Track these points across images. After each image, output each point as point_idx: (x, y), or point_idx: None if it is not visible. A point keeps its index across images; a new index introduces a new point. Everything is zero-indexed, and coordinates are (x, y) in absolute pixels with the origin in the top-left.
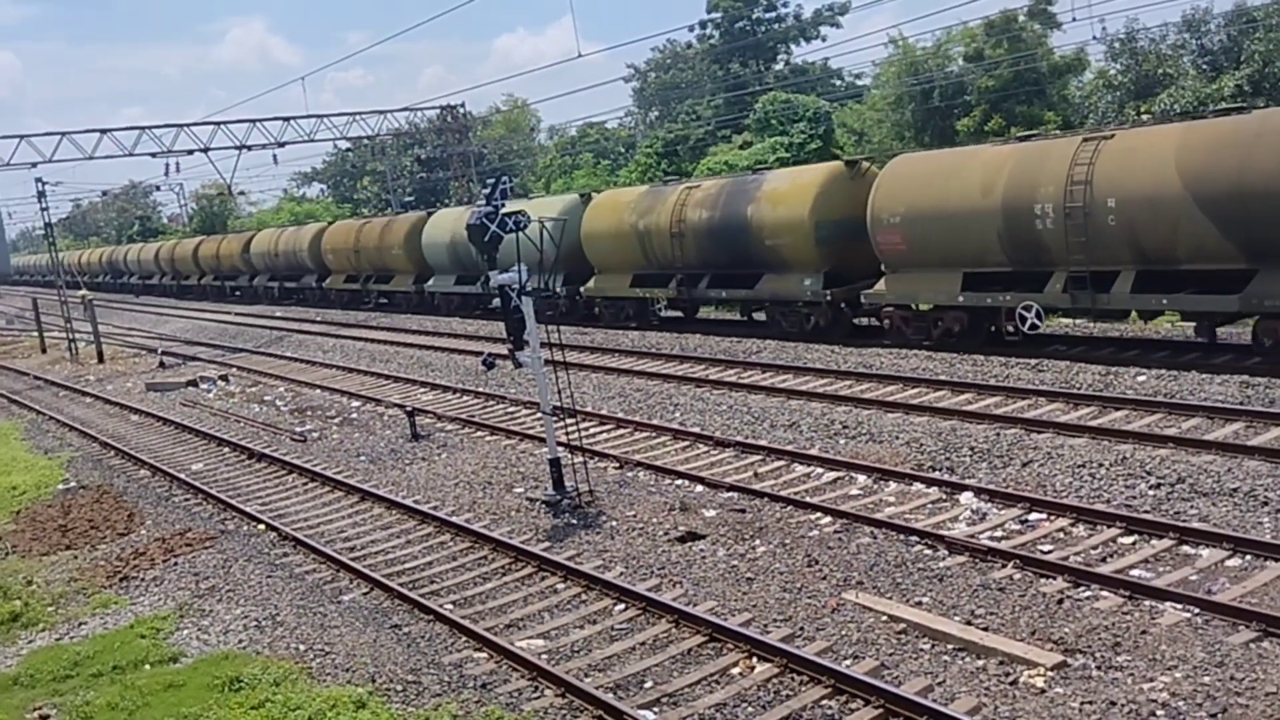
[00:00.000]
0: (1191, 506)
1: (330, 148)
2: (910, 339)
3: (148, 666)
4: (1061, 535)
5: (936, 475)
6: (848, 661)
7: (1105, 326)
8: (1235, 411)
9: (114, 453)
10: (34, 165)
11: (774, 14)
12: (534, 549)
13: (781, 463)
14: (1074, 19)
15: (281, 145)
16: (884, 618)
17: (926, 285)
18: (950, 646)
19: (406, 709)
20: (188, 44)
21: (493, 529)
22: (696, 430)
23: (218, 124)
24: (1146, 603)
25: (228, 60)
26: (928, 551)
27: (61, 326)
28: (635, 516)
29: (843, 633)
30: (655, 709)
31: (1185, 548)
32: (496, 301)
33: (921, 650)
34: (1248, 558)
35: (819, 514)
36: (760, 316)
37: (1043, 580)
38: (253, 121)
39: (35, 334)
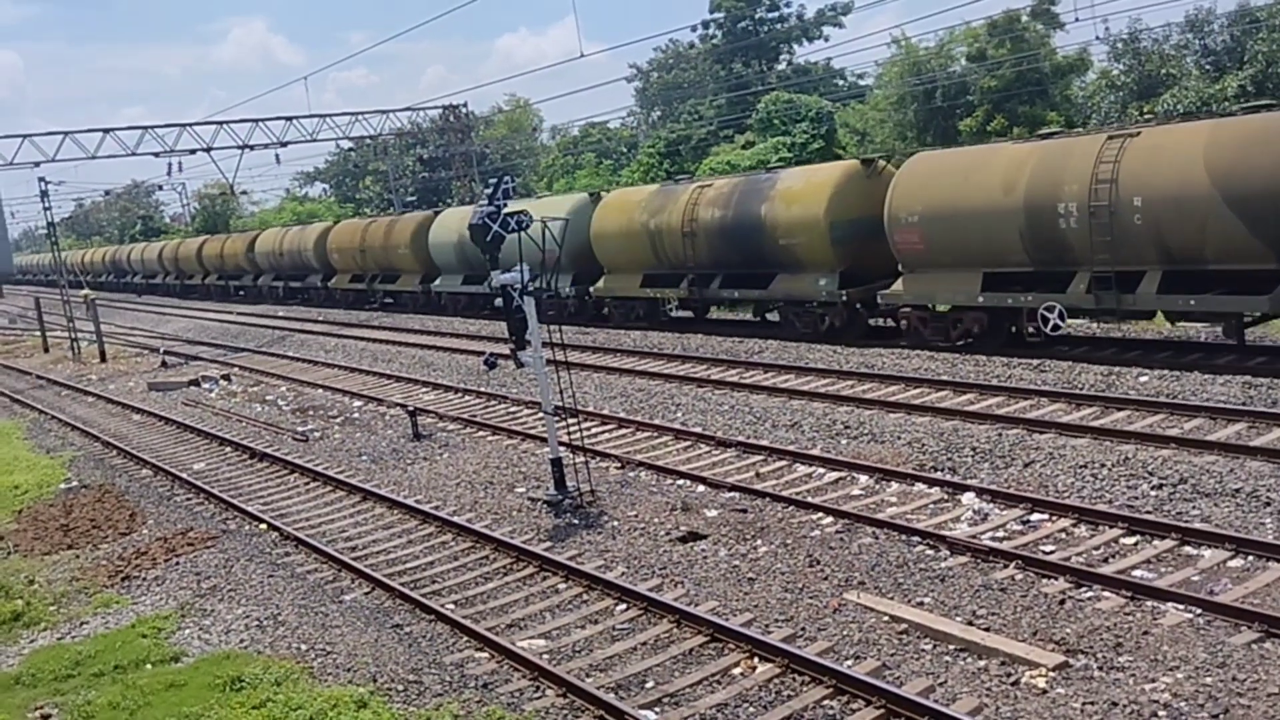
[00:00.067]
0: (1194, 507)
1: (332, 147)
2: (928, 340)
3: (149, 666)
4: (1063, 536)
5: (938, 475)
6: (849, 662)
7: (1107, 327)
8: (1238, 412)
9: (116, 452)
10: (37, 165)
11: (777, 14)
12: (535, 549)
13: (783, 463)
14: (1077, 19)
15: (284, 145)
16: (885, 618)
17: (945, 285)
18: (952, 647)
19: (408, 709)
20: (188, 44)
21: (494, 529)
22: (698, 430)
23: (220, 124)
24: (1148, 603)
25: (229, 60)
26: (929, 552)
27: (64, 326)
28: (637, 516)
29: (844, 633)
30: (656, 709)
31: (1187, 548)
32: (499, 301)
33: (923, 651)
34: (1250, 558)
35: (821, 514)
36: (774, 317)
37: (1045, 581)
38: (255, 121)
39: (38, 333)
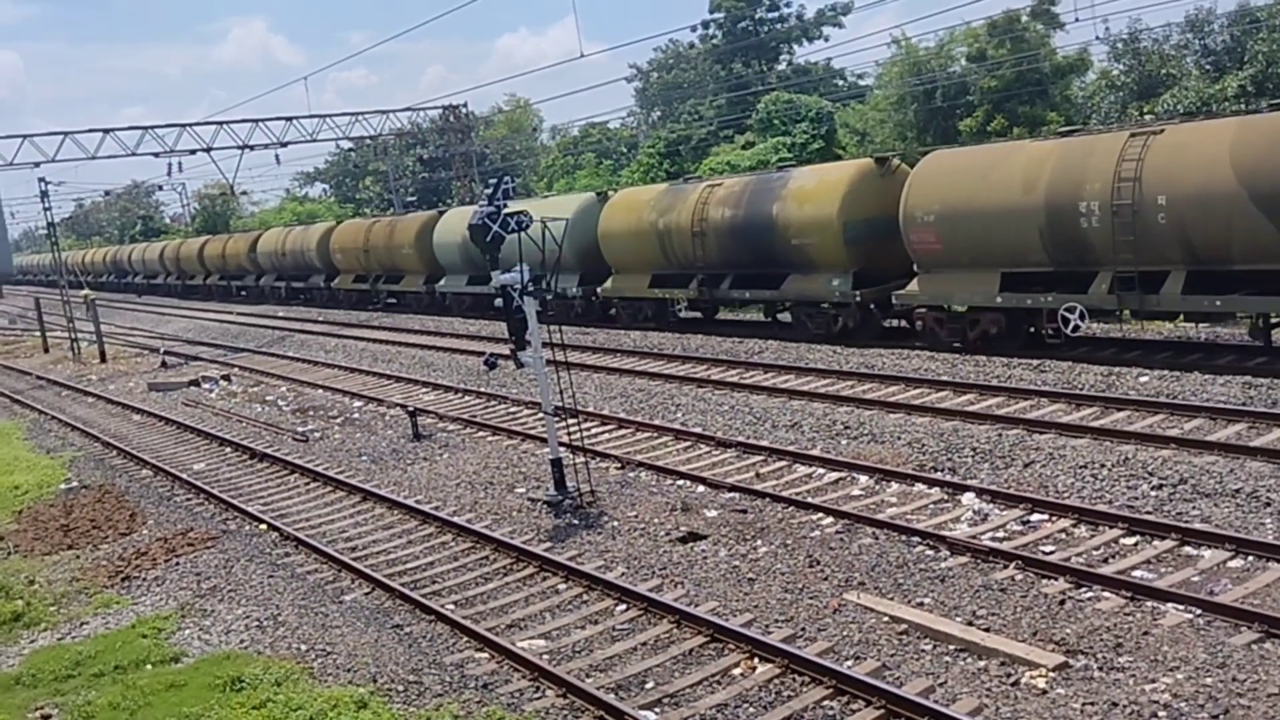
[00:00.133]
0: (1194, 507)
1: (332, 148)
2: (944, 341)
3: (149, 666)
4: (1063, 536)
5: (938, 476)
6: (849, 662)
7: (1108, 327)
8: (1238, 412)
9: (116, 452)
10: (37, 165)
11: (777, 14)
12: (535, 549)
13: (783, 463)
14: (1077, 19)
15: (284, 145)
16: (885, 618)
17: (962, 286)
18: (952, 647)
19: (408, 709)
20: (188, 44)
21: (494, 529)
22: (698, 430)
23: (220, 124)
24: (1148, 604)
25: (229, 60)
26: (929, 552)
27: (64, 326)
28: (637, 517)
29: (844, 633)
30: (656, 709)
31: (1187, 549)
32: (499, 301)
33: (923, 651)
34: (1250, 559)
35: (821, 514)
36: (785, 318)
37: (1044, 581)
38: (255, 121)
39: (38, 333)
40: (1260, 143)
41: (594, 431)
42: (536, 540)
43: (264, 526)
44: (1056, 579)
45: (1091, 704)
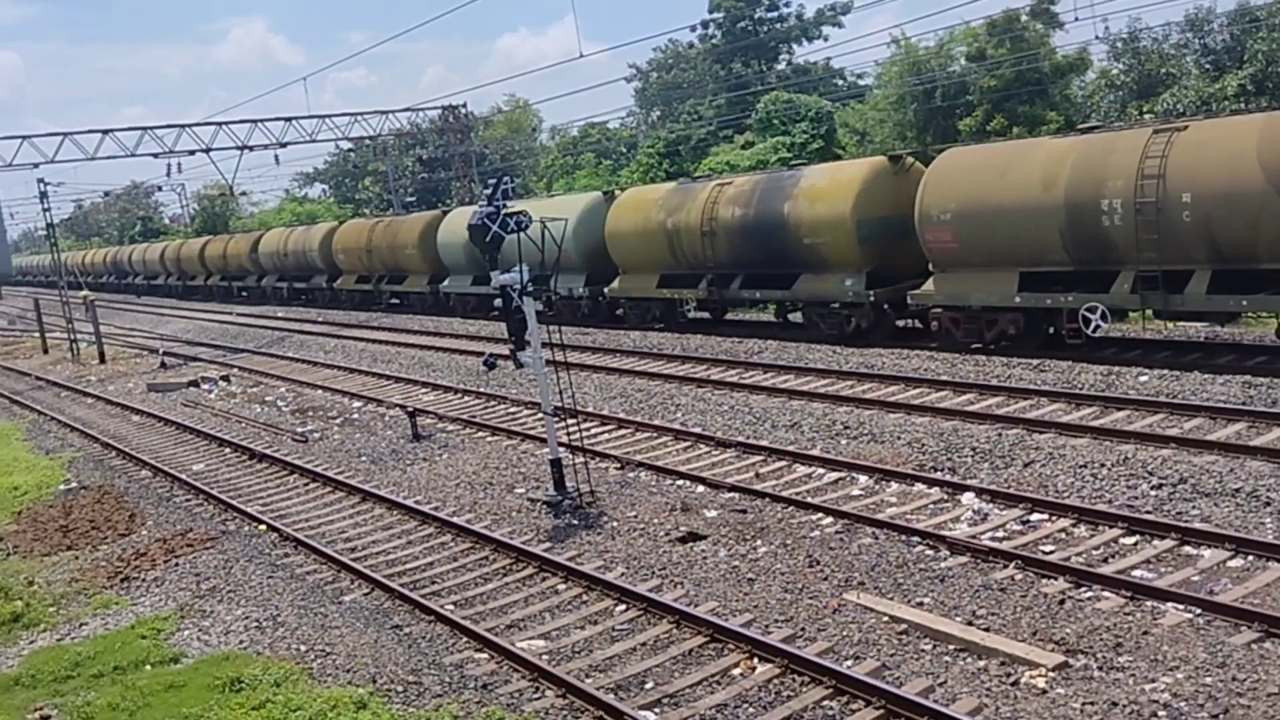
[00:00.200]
0: (1193, 507)
1: (332, 148)
2: (961, 342)
3: (149, 667)
4: (1063, 536)
5: (938, 476)
6: (849, 662)
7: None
8: (1237, 412)
9: (115, 453)
10: (36, 166)
11: (776, 14)
12: (535, 549)
13: (783, 463)
14: (1076, 19)
15: (283, 146)
16: (885, 618)
17: (979, 285)
18: (952, 647)
19: (407, 709)
20: (188, 44)
21: (494, 529)
22: (698, 431)
23: (219, 124)
24: (1148, 603)
25: (229, 60)
26: (929, 552)
27: (63, 327)
28: (636, 517)
29: (844, 633)
30: (656, 709)
31: (1187, 548)
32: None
33: (923, 651)
34: (1250, 558)
35: (820, 514)
36: (796, 318)
37: (1044, 581)
38: (254, 122)
39: (37, 334)
40: None
41: (593, 432)
42: (536, 540)
43: (263, 527)
44: (1056, 579)
45: (1091, 704)
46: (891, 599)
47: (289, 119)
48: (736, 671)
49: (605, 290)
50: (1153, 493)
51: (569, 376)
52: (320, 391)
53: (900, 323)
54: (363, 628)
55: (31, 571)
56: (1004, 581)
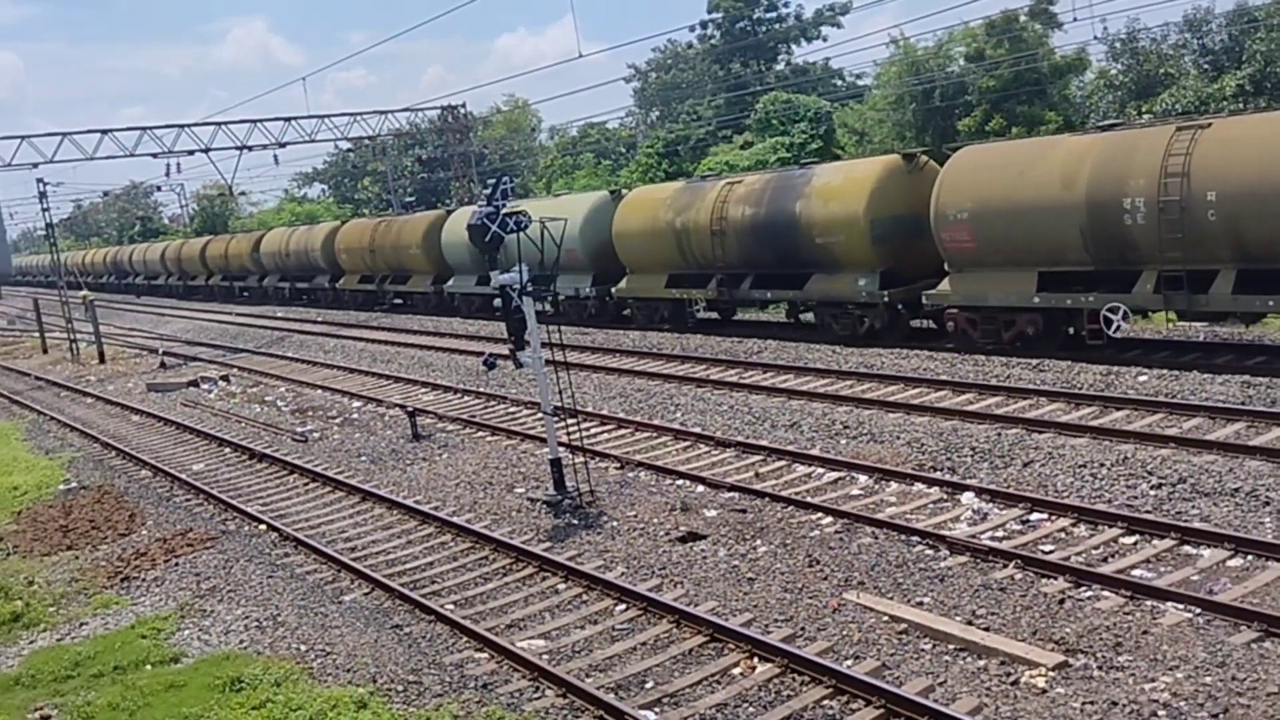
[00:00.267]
0: (1193, 506)
1: (331, 148)
2: (977, 343)
3: (149, 667)
4: (1063, 535)
5: (938, 475)
6: (849, 662)
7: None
8: (1237, 411)
9: (115, 453)
10: (35, 166)
11: (775, 14)
12: (535, 549)
13: (783, 463)
14: (1075, 19)
15: (282, 146)
16: (885, 618)
17: (997, 285)
18: (951, 647)
19: (408, 709)
20: (188, 44)
21: (494, 529)
22: (697, 430)
23: (219, 124)
24: (1148, 603)
25: (228, 60)
26: (929, 552)
27: (63, 327)
28: (636, 517)
29: (844, 633)
30: (656, 709)
31: (1187, 548)
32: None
33: (923, 650)
34: (1249, 558)
35: (820, 514)
36: (808, 318)
37: (1044, 580)
38: (254, 122)
39: (36, 334)
40: None
41: (593, 431)
42: (536, 540)
43: (263, 527)
44: (1056, 578)
45: (1091, 703)
46: (891, 598)
47: (288, 119)
48: (736, 671)
49: (612, 290)
50: (1152, 492)
51: (569, 376)
52: (320, 391)
53: (914, 323)
54: (363, 627)
55: (31, 571)
56: (1004, 581)
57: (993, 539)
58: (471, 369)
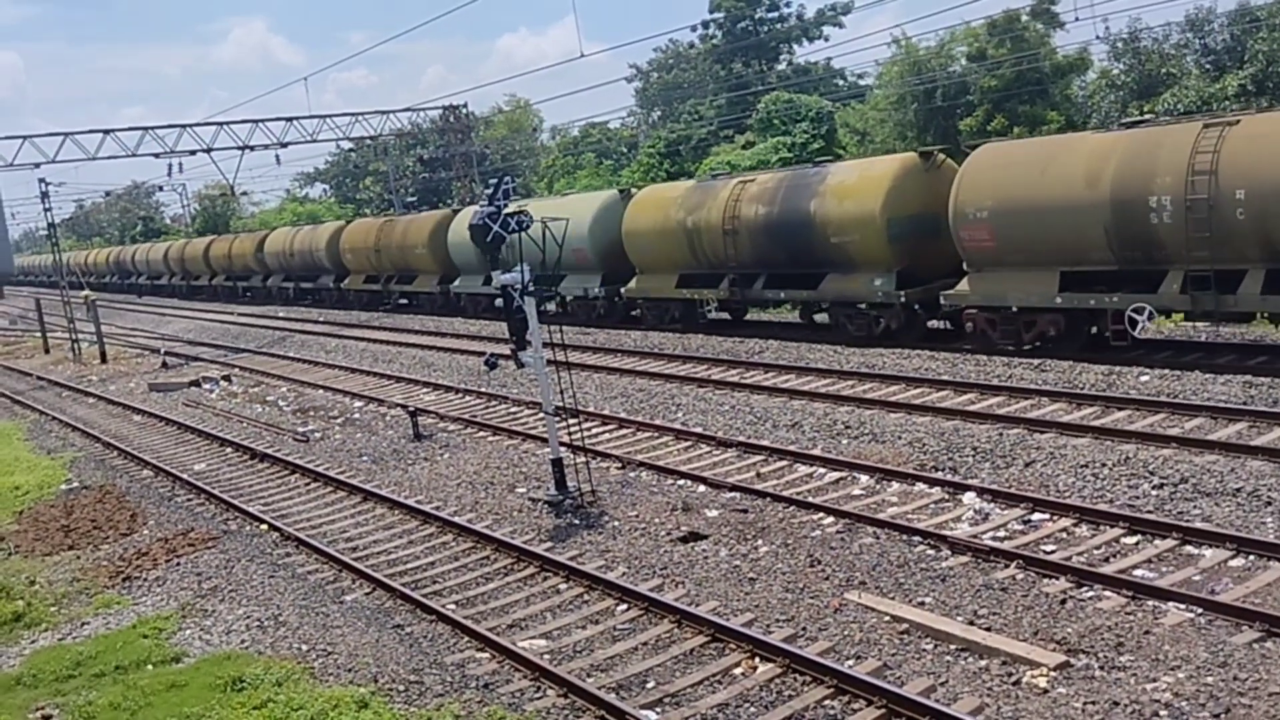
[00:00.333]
0: (1195, 507)
1: (333, 148)
2: (996, 344)
3: (150, 666)
4: (1064, 535)
5: (939, 475)
6: (850, 662)
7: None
8: (1238, 411)
9: (117, 453)
10: (37, 166)
11: (776, 14)
12: (536, 549)
13: (784, 463)
14: (1077, 19)
15: (284, 146)
16: (886, 618)
17: (1017, 285)
18: (953, 647)
19: (409, 709)
20: (188, 44)
21: (495, 529)
22: (699, 430)
23: (220, 124)
24: (1150, 603)
25: (229, 60)
26: (930, 552)
27: (65, 327)
28: (637, 517)
29: (845, 633)
30: (657, 709)
31: (1188, 548)
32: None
33: (924, 650)
34: (1251, 558)
35: (821, 514)
36: (822, 319)
37: (1046, 580)
38: (255, 122)
39: (38, 334)
40: None
41: (594, 431)
42: (537, 540)
43: (265, 527)
44: (1057, 578)
45: (1093, 703)
46: (893, 598)
47: (290, 119)
48: (738, 671)
49: (621, 290)
50: (1154, 492)
51: (570, 376)
52: (321, 391)
53: (930, 324)
54: (364, 627)
55: (33, 571)
56: (1005, 581)
57: (994, 539)
58: (473, 369)
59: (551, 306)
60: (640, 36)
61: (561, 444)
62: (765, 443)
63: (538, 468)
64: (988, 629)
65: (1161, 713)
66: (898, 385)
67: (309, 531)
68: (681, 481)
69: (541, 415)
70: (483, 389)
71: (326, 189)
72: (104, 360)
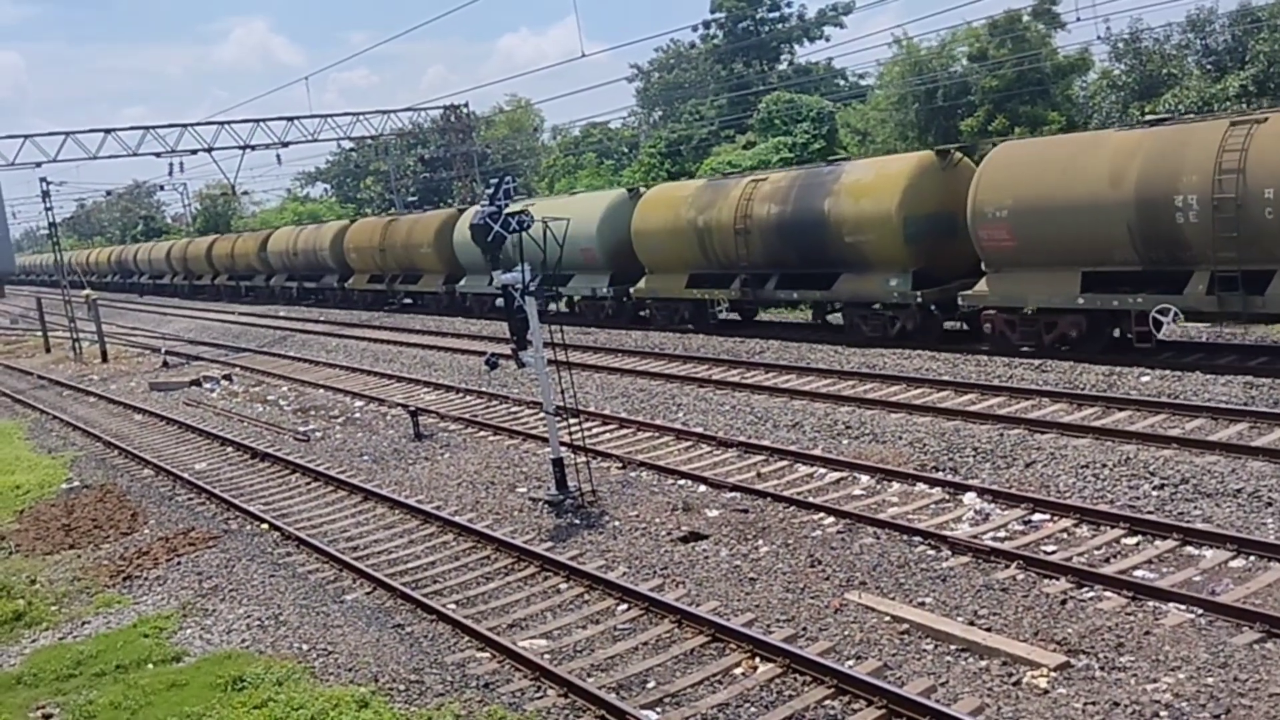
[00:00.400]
0: (1195, 507)
1: (334, 148)
2: (1015, 345)
3: (151, 666)
4: (1065, 536)
5: (940, 476)
6: (850, 662)
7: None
8: (1239, 412)
9: (117, 452)
10: (38, 165)
11: (778, 14)
12: (537, 549)
13: (785, 463)
14: (1078, 19)
15: (285, 145)
16: (887, 618)
17: (1038, 286)
18: (953, 647)
19: (409, 708)
20: (189, 44)
21: (495, 529)
22: (699, 430)
23: (221, 124)
24: (1150, 603)
25: (230, 60)
26: (931, 552)
27: (66, 326)
28: (638, 516)
29: (845, 633)
30: (658, 709)
31: (1189, 548)
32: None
33: (924, 651)
34: (1251, 559)
35: (822, 514)
36: (836, 319)
37: (1046, 581)
38: (256, 121)
39: (39, 333)
40: None
41: (595, 431)
42: (538, 540)
43: (265, 526)
44: (1058, 579)
45: (1093, 704)
46: (893, 599)
47: (291, 118)
48: (738, 671)
49: (630, 290)
50: (1154, 493)
51: (571, 376)
52: (322, 391)
53: (946, 325)
54: (365, 627)
55: (34, 570)
56: (1006, 581)
57: (995, 539)
58: (474, 369)
59: (561, 306)
60: (641, 36)
61: (562, 444)
62: (766, 443)
63: (538, 467)
64: (988, 629)
65: (1162, 713)
66: (898, 385)
67: (309, 531)
68: (682, 481)
69: (542, 415)
70: (484, 389)
71: (327, 188)
72: (105, 359)
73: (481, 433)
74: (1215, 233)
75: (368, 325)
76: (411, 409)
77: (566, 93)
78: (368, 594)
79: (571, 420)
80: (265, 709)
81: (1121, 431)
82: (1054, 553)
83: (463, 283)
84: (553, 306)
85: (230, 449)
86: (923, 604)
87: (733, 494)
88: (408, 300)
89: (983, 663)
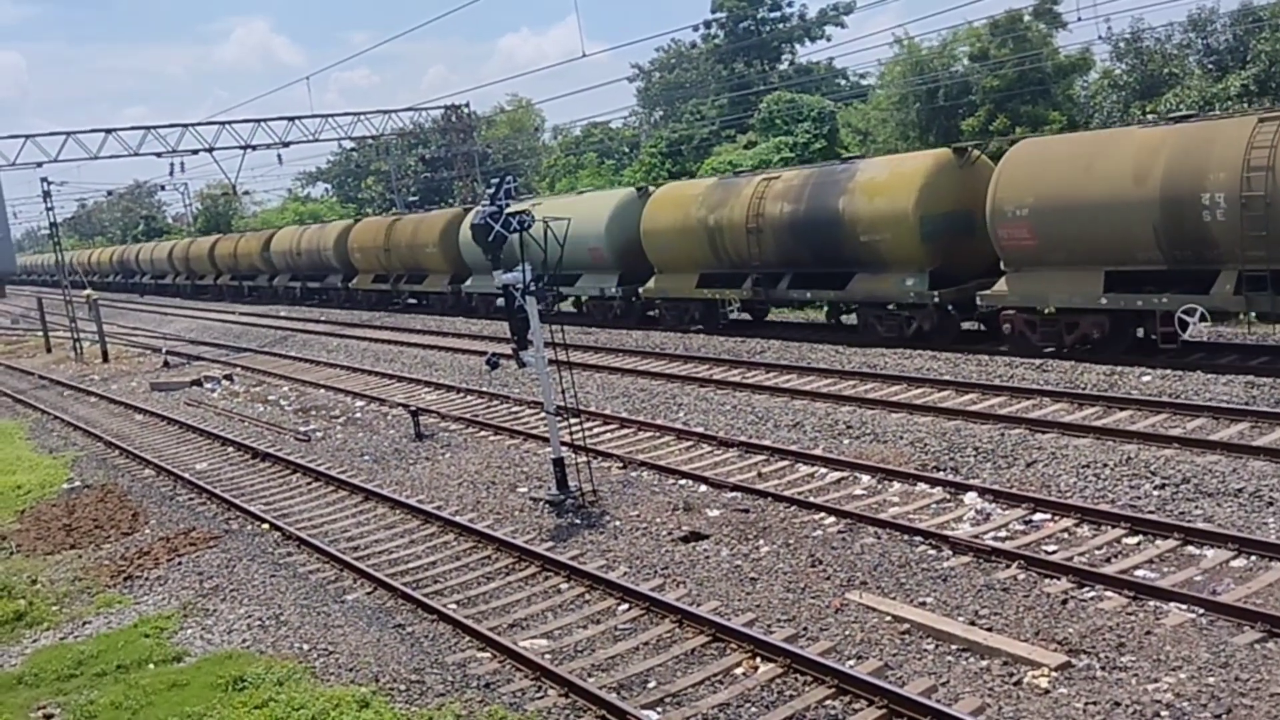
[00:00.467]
0: (1196, 507)
1: (335, 147)
2: (1036, 346)
3: (151, 666)
4: (1066, 535)
5: (941, 475)
6: (851, 662)
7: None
8: (1240, 412)
9: (118, 452)
10: (39, 165)
11: (779, 14)
12: (538, 549)
13: (785, 463)
14: (1079, 19)
15: (286, 145)
16: (888, 618)
17: (1059, 285)
18: (954, 647)
19: (410, 708)
20: (190, 44)
21: (496, 529)
22: (700, 430)
23: (222, 124)
24: (1151, 603)
25: (231, 60)
26: (932, 552)
27: (66, 326)
28: (639, 516)
29: (846, 633)
30: (658, 709)
31: (1190, 548)
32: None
33: (925, 651)
34: (1253, 558)
35: (823, 514)
36: (850, 320)
37: (1047, 581)
38: (257, 121)
39: (40, 333)
40: None
41: (596, 431)
42: (538, 540)
43: (266, 526)
44: (1059, 578)
45: (1094, 704)
46: (894, 599)
47: (292, 118)
48: (739, 671)
49: (639, 290)
50: (1155, 493)
51: (571, 376)
52: (323, 391)
53: (964, 325)
54: (365, 627)
55: (35, 570)
56: (1006, 581)
57: (996, 539)
58: (476, 368)
59: (569, 306)
60: (642, 36)
61: (563, 443)
62: (767, 442)
63: (539, 467)
64: (989, 629)
65: (1163, 713)
66: (899, 385)
67: (310, 531)
68: (683, 481)
69: (543, 415)
70: (485, 388)
71: (328, 188)
72: (106, 359)
73: (482, 432)
74: (1243, 231)
75: (369, 325)
76: (412, 409)
77: (567, 93)
78: (368, 594)
79: (572, 420)
80: (266, 709)
81: (1122, 431)
82: (1055, 552)
83: (468, 283)
84: (559, 306)
85: (231, 449)
86: (924, 604)
87: (734, 494)
88: (412, 300)
89: (984, 663)
